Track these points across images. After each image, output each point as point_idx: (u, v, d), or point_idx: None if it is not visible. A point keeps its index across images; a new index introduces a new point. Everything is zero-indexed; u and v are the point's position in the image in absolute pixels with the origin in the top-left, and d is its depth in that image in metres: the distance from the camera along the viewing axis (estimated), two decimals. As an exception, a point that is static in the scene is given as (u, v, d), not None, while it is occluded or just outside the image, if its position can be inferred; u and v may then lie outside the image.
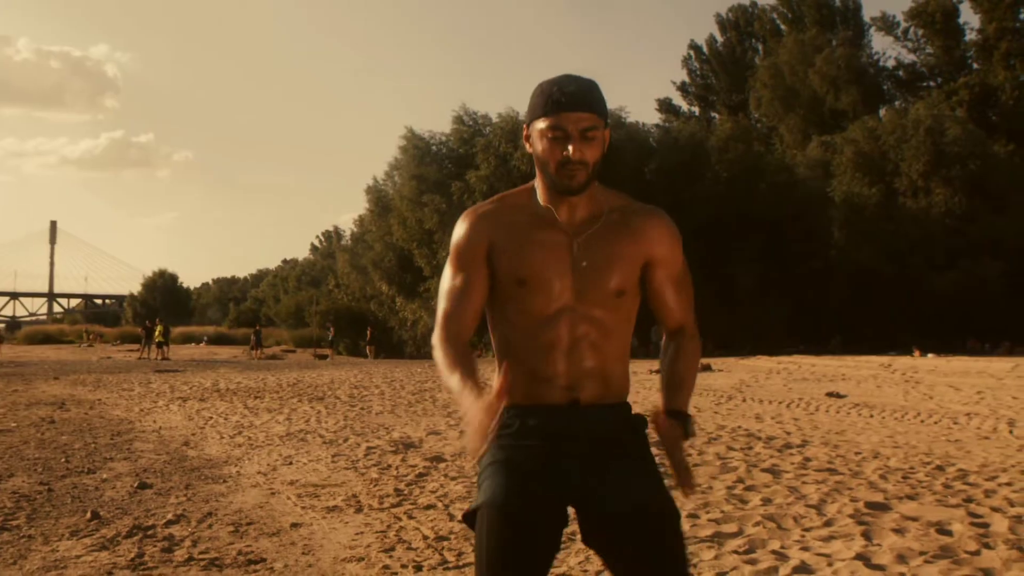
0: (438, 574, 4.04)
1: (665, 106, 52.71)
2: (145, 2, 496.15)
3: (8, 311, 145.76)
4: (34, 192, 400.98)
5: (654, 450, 2.04)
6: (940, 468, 6.56)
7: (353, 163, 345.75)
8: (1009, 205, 33.14)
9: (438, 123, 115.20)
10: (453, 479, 6.21)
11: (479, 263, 1.98)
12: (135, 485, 6.20)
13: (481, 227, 1.99)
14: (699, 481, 6.05)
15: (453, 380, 1.84)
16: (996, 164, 34.53)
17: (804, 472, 6.37)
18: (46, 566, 4.18)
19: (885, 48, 79.06)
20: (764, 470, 6.44)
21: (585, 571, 3.93)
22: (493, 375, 2.01)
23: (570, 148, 1.86)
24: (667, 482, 1.99)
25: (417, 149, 35.55)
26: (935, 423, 9.66)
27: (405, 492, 5.85)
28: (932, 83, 43.30)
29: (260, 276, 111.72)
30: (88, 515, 5.19)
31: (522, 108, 37.90)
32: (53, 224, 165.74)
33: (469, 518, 1.92)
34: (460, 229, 2.02)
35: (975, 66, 42.06)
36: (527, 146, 1.97)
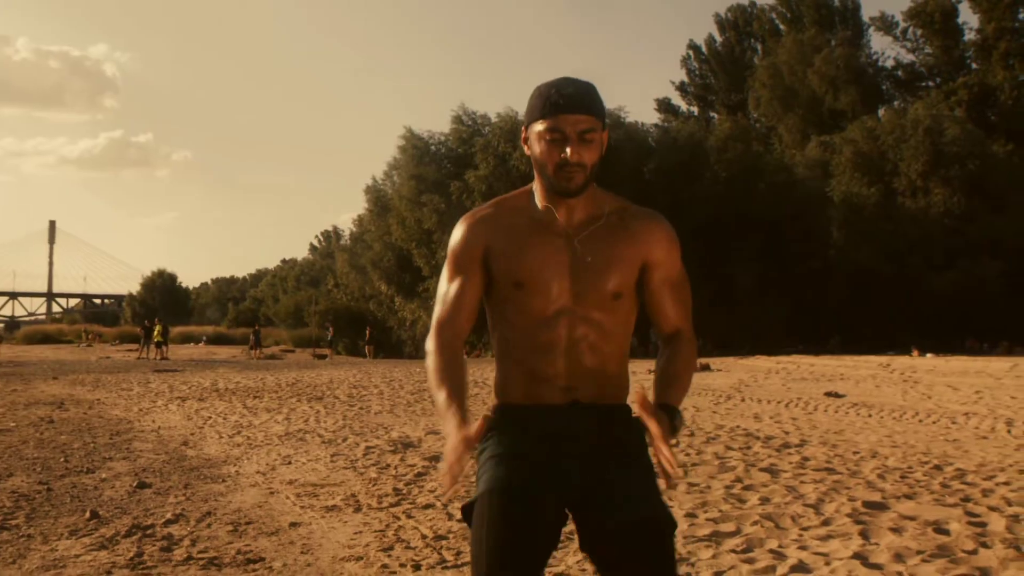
0: (436, 573, 4.04)
1: (664, 106, 52.76)
2: (144, 2, 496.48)
3: (7, 311, 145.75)
4: (33, 192, 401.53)
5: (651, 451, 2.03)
6: (938, 467, 6.58)
7: (352, 163, 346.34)
8: (1008, 205, 33.17)
9: (437, 123, 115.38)
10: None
11: (475, 268, 2.00)
12: (134, 485, 6.21)
13: (478, 231, 2.00)
14: (697, 480, 6.06)
15: (439, 397, 1.90)
16: (995, 164, 34.56)
17: (802, 471, 6.38)
18: (45, 565, 4.19)
19: (884, 48, 79.12)
20: (762, 469, 6.45)
21: (584, 570, 3.94)
22: (492, 374, 2.02)
23: (568, 150, 1.86)
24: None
25: (416, 149, 35.55)
26: (933, 423, 9.68)
27: (404, 491, 5.86)
28: (931, 83, 43.35)
29: (259, 276, 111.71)
30: (87, 514, 5.19)
31: (521, 108, 37.81)
32: (52, 224, 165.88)
33: (467, 511, 1.93)
34: (457, 234, 2.03)
35: (974, 66, 42.11)
36: (525, 148, 1.97)
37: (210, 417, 10.50)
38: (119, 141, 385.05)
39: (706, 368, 19.77)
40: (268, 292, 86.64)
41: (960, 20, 42.31)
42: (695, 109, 52.46)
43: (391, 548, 4.47)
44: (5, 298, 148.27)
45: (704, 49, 52.18)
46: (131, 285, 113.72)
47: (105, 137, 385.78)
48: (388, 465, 6.89)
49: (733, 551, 4.28)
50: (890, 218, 33.54)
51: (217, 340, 58.38)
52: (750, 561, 4.12)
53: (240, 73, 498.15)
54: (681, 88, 53.16)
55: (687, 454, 7.21)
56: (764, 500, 5.40)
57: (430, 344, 2.01)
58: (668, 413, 1.84)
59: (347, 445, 8.01)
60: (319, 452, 7.63)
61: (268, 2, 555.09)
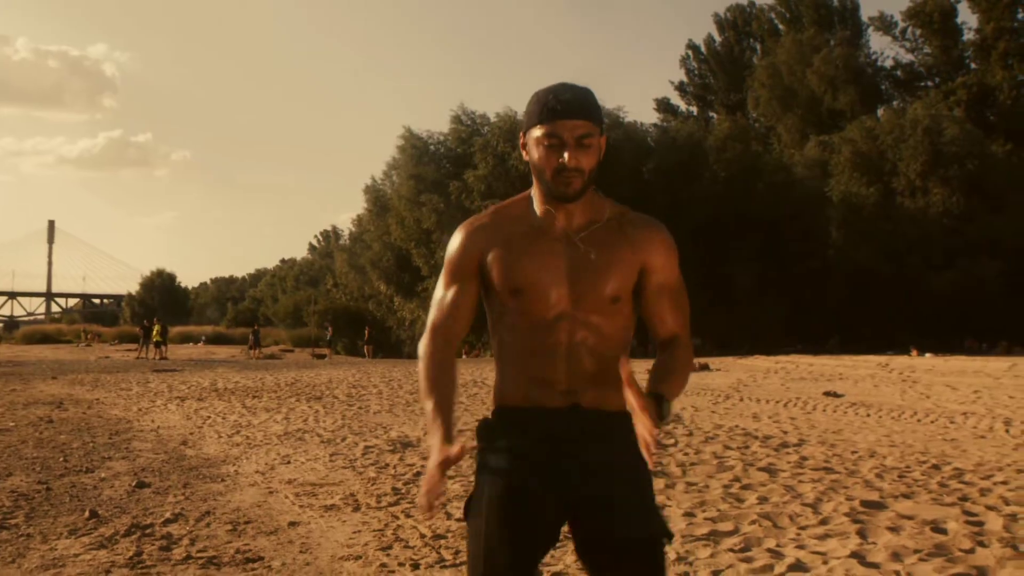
0: (435, 572, 4.05)
1: (663, 106, 52.74)
2: (144, 2, 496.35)
3: (6, 311, 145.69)
4: (32, 192, 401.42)
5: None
6: (936, 467, 6.59)
7: (351, 163, 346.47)
8: (1007, 205, 33.18)
9: (436, 123, 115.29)
10: (451, 478, 6.22)
11: (471, 276, 2.02)
12: (133, 484, 6.21)
13: (475, 239, 2.02)
14: (696, 480, 6.08)
15: (427, 406, 1.95)
16: (994, 164, 34.58)
17: (800, 471, 6.39)
18: (45, 564, 4.20)
19: (883, 48, 79.09)
20: (761, 469, 6.46)
21: (582, 570, 3.95)
22: (492, 375, 2.03)
23: (566, 155, 1.87)
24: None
25: (415, 149, 35.55)
26: (932, 422, 9.69)
27: (403, 491, 5.87)
28: (930, 83, 43.36)
29: (258, 276, 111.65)
30: (86, 514, 5.20)
31: (520, 108, 37.81)
32: (51, 224, 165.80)
33: (468, 507, 1.97)
34: (454, 241, 2.05)
35: (973, 66, 42.12)
36: (524, 154, 1.98)
37: (209, 417, 10.51)
38: (118, 141, 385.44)
39: (705, 368, 19.78)
40: (267, 292, 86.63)
41: (959, 20, 42.40)
42: (694, 109, 52.47)
43: (390, 547, 4.48)
44: (4, 298, 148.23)
45: (703, 49, 52.18)
46: (130, 285, 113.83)
47: (104, 137, 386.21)
48: (387, 464, 6.90)
49: (731, 550, 4.30)
50: (889, 218, 33.56)
51: (216, 340, 58.35)
52: (748, 560, 4.13)
53: (239, 73, 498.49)
54: (680, 88, 53.19)
55: (685, 453, 7.22)
56: (762, 499, 5.41)
57: (423, 348, 2.04)
58: (657, 400, 1.82)
59: (346, 445, 8.01)
60: (318, 452, 7.64)
61: (268, 2, 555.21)
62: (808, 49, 41.58)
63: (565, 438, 1.94)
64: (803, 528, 4.70)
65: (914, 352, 25.21)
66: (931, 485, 5.86)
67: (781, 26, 47.74)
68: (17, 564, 4.21)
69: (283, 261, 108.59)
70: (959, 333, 30.78)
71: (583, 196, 1.93)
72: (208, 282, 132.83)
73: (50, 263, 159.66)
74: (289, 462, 7.18)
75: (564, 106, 1.88)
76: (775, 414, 10.50)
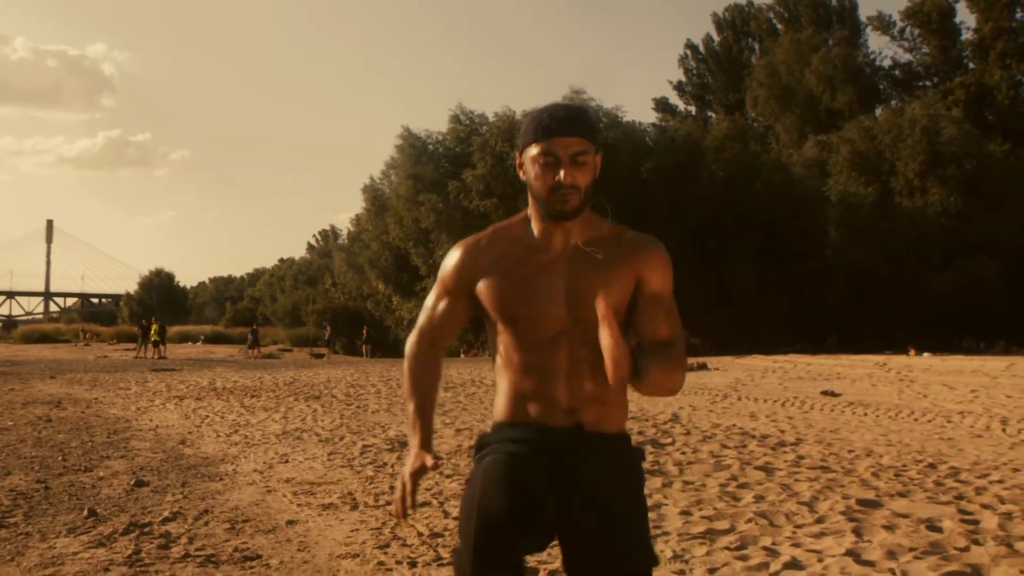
0: (432, 570, 4.07)
1: (662, 105, 52.72)
2: (143, 1, 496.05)
3: (4, 310, 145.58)
4: (31, 191, 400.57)
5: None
6: (932, 466, 6.61)
7: (350, 162, 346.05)
8: (1005, 204, 33.18)
9: (435, 122, 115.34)
10: (448, 476, 6.24)
11: (462, 295, 2.05)
12: (132, 483, 6.23)
13: (470, 261, 2.03)
14: (693, 478, 6.09)
15: (409, 408, 2.08)
16: (992, 164, 34.58)
17: (797, 470, 6.42)
18: (43, 563, 4.21)
19: (881, 47, 79.10)
20: (757, 468, 6.49)
21: None
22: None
23: (562, 173, 1.89)
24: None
25: (414, 148, 35.54)
26: (929, 421, 9.71)
27: (400, 490, 5.87)
28: (928, 82, 43.35)
29: (257, 275, 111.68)
30: (85, 512, 5.22)
31: (519, 107, 37.77)
32: (50, 223, 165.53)
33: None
34: (450, 259, 2.07)
35: (971, 66, 42.11)
36: (521, 174, 1.99)
37: (208, 416, 10.52)
38: (117, 140, 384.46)
39: (703, 367, 19.80)
40: (266, 291, 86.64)
41: (957, 20, 42.34)
42: (692, 109, 52.45)
43: (387, 545, 4.49)
44: (3, 297, 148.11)
45: (702, 49, 52.17)
46: (129, 284, 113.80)
47: (103, 136, 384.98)
48: (385, 463, 6.92)
49: (727, 548, 4.32)
50: (887, 217, 33.56)
51: (215, 339, 58.42)
52: (744, 558, 4.15)
53: (238, 73, 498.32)
54: (679, 88, 53.17)
55: (683, 452, 7.25)
56: (759, 498, 5.44)
57: (409, 348, 2.13)
58: (637, 353, 1.82)
59: (344, 444, 8.03)
60: (316, 451, 7.66)
61: (267, 2, 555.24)
62: (806, 49, 41.58)
63: (566, 452, 1.94)
64: (799, 526, 4.73)
65: (912, 352, 25.24)
66: (927, 484, 5.88)
67: (779, 26, 47.73)
68: (16, 562, 4.22)
69: (282, 260, 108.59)
70: (957, 333, 30.77)
71: (580, 214, 1.94)
72: (207, 281, 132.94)
73: (48, 262, 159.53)
74: (287, 461, 7.20)
75: (559, 124, 1.90)
76: (773, 413, 10.53)
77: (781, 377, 17.07)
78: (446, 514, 5.08)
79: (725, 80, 50.16)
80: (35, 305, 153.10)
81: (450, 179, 33.49)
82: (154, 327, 32.11)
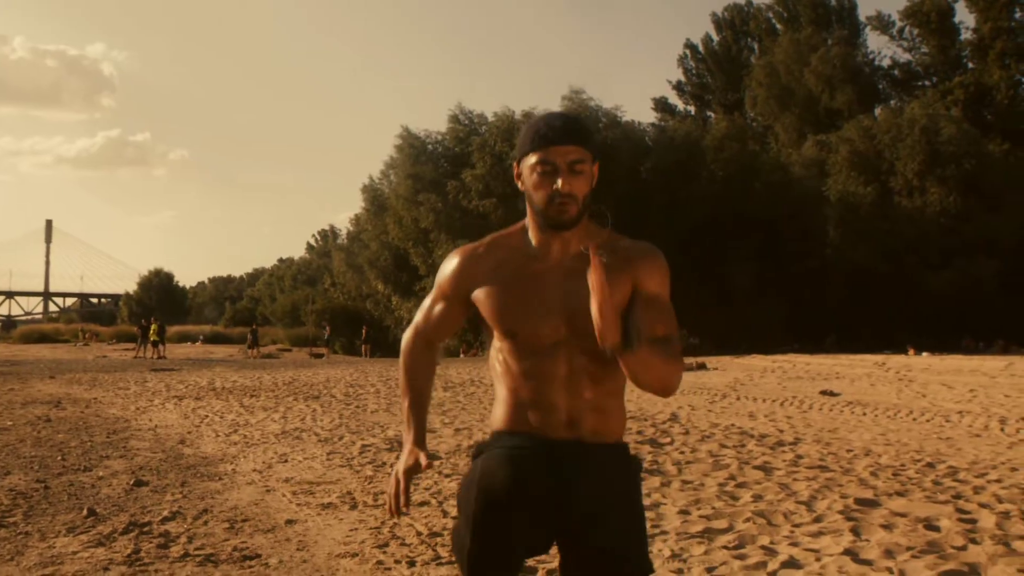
0: (431, 569, 4.08)
1: (661, 105, 52.72)
2: (142, 1, 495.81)
3: (4, 310, 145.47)
4: (30, 191, 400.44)
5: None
6: (930, 465, 6.62)
7: (349, 162, 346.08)
8: (1004, 204, 33.20)
9: (434, 122, 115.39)
10: (447, 476, 6.25)
11: (458, 302, 2.07)
12: (131, 482, 6.23)
13: (468, 270, 2.04)
14: (691, 478, 6.10)
15: (403, 404, 2.12)
16: (991, 163, 34.60)
17: (795, 469, 6.43)
18: (43, 562, 4.22)
19: (880, 47, 79.02)
20: (756, 467, 6.50)
21: None
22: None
23: (559, 181, 1.88)
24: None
25: (413, 148, 35.56)
26: (927, 421, 9.73)
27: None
28: (927, 82, 43.36)
29: (256, 275, 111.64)
30: (84, 512, 5.22)
31: (518, 107, 37.72)
32: (49, 223, 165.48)
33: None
34: (447, 267, 2.08)
35: (970, 65, 42.13)
36: (519, 184, 1.98)
37: (207, 416, 10.53)
38: (116, 140, 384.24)
39: (702, 367, 19.82)
40: (265, 291, 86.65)
41: (956, 19, 42.34)
42: (692, 108, 52.45)
43: (386, 545, 4.50)
44: (2, 297, 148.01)
45: (701, 48, 52.18)
46: (128, 284, 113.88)
47: (102, 136, 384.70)
48: (384, 463, 6.93)
49: (725, 547, 4.33)
50: (886, 217, 33.58)
51: (214, 339, 58.49)
52: (741, 557, 4.16)
53: (237, 72, 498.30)
54: (678, 87, 53.17)
55: (681, 452, 7.26)
56: (757, 497, 5.44)
57: (405, 344, 2.16)
58: (630, 325, 1.83)
59: (343, 443, 8.04)
60: (315, 450, 7.67)
61: (266, 1, 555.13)
62: (806, 48, 41.58)
63: (565, 461, 1.93)
64: (797, 525, 4.74)
65: (911, 351, 25.26)
66: (925, 483, 5.89)
67: (779, 25, 47.75)
68: (16, 562, 4.23)
69: (281, 260, 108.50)
70: (956, 332, 30.78)
71: (578, 224, 1.94)
72: (206, 281, 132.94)
73: (48, 262, 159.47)
74: (286, 460, 7.20)
75: (556, 132, 1.90)
76: (771, 413, 10.54)
77: (780, 377, 17.09)
78: (445, 513, 5.09)
79: (724, 80, 50.18)
80: (34, 305, 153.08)
81: (449, 179, 33.51)
82: (153, 327, 32.14)
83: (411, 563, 4.17)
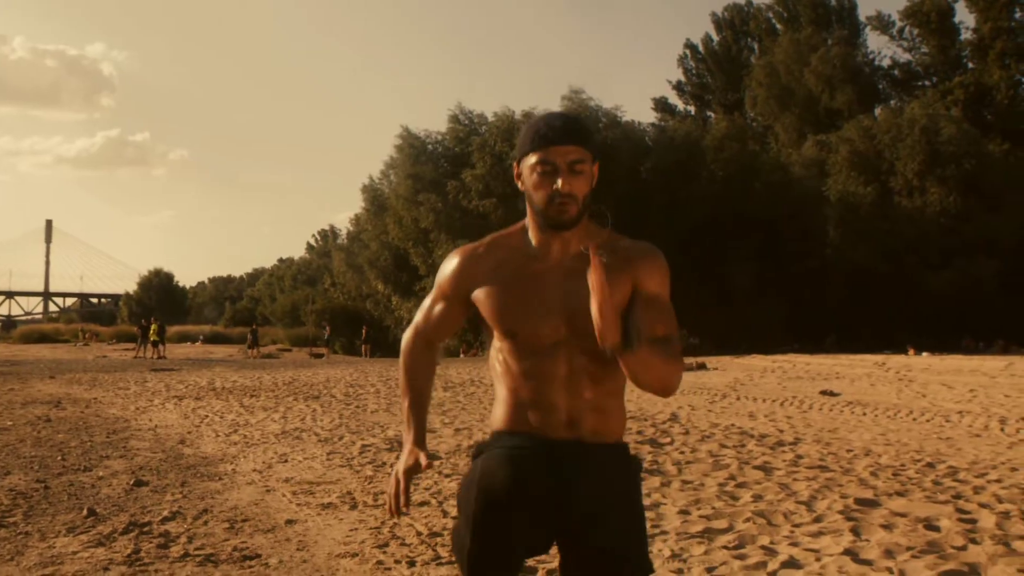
0: (431, 569, 4.08)
1: (661, 105, 52.72)
2: (142, 1, 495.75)
3: (4, 310, 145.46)
4: (30, 191, 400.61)
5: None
6: (930, 465, 6.62)
7: (349, 162, 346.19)
8: (1004, 204, 33.20)
9: (434, 122, 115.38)
10: (447, 476, 6.25)
11: (458, 302, 2.07)
12: (131, 482, 6.24)
13: (468, 270, 2.04)
14: (691, 478, 6.10)
15: (403, 403, 2.13)
16: (991, 163, 34.60)
17: (795, 469, 6.43)
18: (43, 562, 4.22)
19: (880, 47, 79.02)
20: (756, 467, 6.50)
21: None
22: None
23: (559, 181, 1.88)
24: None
25: (413, 148, 35.56)
26: (927, 421, 9.73)
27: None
28: (927, 82, 43.37)
29: (256, 275, 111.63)
30: (84, 512, 5.22)
31: (518, 107, 37.69)
32: (49, 223, 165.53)
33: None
34: (447, 267, 2.08)
35: (970, 65, 42.13)
36: (520, 185, 1.98)
37: (207, 416, 10.53)
38: (116, 140, 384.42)
39: (702, 367, 19.82)
40: (265, 291, 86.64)
41: (956, 19, 42.34)
42: (692, 108, 52.45)
43: (386, 545, 4.50)
44: (2, 297, 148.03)
45: (701, 48, 52.17)
46: (128, 284, 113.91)
47: (102, 136, 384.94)
48: (384, 463, 6.93)
49: (725, 547, 4.33)
50: (886, 217, 33.58)
51: (214, 339, 58.51)
52: (742, 557, 4.16)
53: (237, 72, 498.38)
54: (678, 87, 53.17)
55: (681, 452, 7.26)
56: (757, 497, 5.44)
57: (405, 344, 2.17)
58: (630, 324, 1.82)
59: (343, 443, 8.04)
60: (315, 450, 7.67)
61: (266, 1, 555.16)
62: (805, 48, 41.58)
63: (565, 461, 1.93)
64: (797, 525, 4.74)
65: (911, 351, 25.26)
66: (925, 483, 5.89)
67: (779, 25, 47.75)
68: (16, 562, 4.23)
69: (281, 260, 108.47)
70: (956, 332, 30.78)
71: (578, 224, 1.93)
72: (206, 281, 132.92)
73: (48, 262, 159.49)
74: (286, 460, 7.20)
75: (555, 132, 1.90)
76: (771, 413, 10.54)
77: (780, 377, 17.09)
78: (445, 513, 5.09)
79: (724, 80, 50.18)
80: (34, 305, 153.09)
81: (449, 179, 33.51)
82: (153, 327, 32.15)
83: (411, 563, 4.17)
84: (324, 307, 47.65)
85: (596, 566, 1.91)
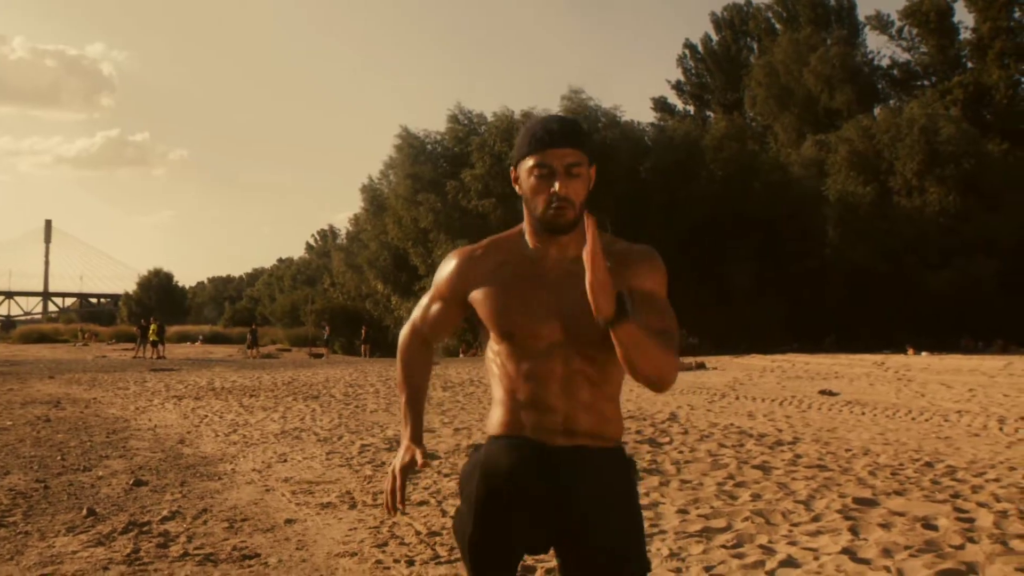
0: (430, 568, 4.09)
1: (660, 105, 52.74)
2: (142, 1, 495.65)
3: (3, 310, 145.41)
4: (29, 191, 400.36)
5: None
6: (929, 464, 6.63)
7: (349, 162, 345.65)
8: (1003, 204, 33.23)
9: (433, 122, 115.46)
10: (446, 476, 6.26)
11: (456, 303, 2.08)
12: (131, 482, 6.24)
13: (466, 272, 2.04)
14: (690, 477, 6.11)
15: (401, 399, 2.15)
16: (990, 163, 34.63)
17: (794, 468, 6.44)
18: (43, 561, 4.23)
19: (879, 47, 78.91)
20: (755, 467, 6.51)
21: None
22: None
23: (556, 184, 1.88)
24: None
25: (412, 148, 35.56)
26: (926, 420, 9.73)
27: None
28: (926, 82, 43.40)
29: (256, 275, 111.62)
30: (84, 512, 5.23)
31: (518, 107, 37.72)
32: (48, 223, 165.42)
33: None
34: (445, 268, 2.08)
35: (969, 65, 42.16)
36: (517, 188, 1.98)
37: (206, 415, 10.54)
38: (116, 140, 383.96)
39: (701, 367, 19.83)
40: (264, 291, 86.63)
41: (955, 19, 42.42)
42: (691, 108, 52.48)
43: (385, 544, 4.51)
44: (1, 297, 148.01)
45: (700, 48, 52.19)
46: (127, 284, 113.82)
47: (101, 136, 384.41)
48: (383, 463, 6.94)
49: (723, 546, 4.33)
50: (885, 217, 33.60)
51: (213, 339, 58.47)
52: (740, 556, 4.17)
53: (237, 72, 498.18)
54: (677, 87, 53.20)
55: (680, 451, 7.26)
56: (755, 497, 5.45)
57: (403, 340, 2.20)
58: (624, 297, 1.77)
59: (342, 443, 8.05)
60: (315, 450, 7.68)
61: (266, 1, 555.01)
62: (805, 48, 41.60)
63: (563, 465, 1.93)
64: (795, 525, 4.75)
65: (910, 351, 25.27)
66: (923, 482, 5.90)
67: (778, 25, 47.78)
68: (16, 561, 4.24)
69: (280, 260, 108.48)
70: (956, 332, 30.80)
71: (575, 228, 1.92)
72: (205, 281, 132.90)
73: (47, 262, 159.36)
74: (286, 460, 7.21)
75: (552, 136, 1.90)
76: (770, 412, 10.55)
77: (779, 376, 17.10)
78: (444, 513, 5.10)
79: (723, 80, 50.20)
80: (34, 305, 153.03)
81: (448, 179, 33.52)
82: (152, 327, 32.16)
83: (410, 562, 4.18)
84: (323, 307, 47.62)
85: (595, 567, 1.91)
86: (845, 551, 4.20)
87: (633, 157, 32.90)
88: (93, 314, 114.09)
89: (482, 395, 12.72)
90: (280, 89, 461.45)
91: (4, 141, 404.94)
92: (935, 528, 4.62)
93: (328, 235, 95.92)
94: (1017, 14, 40.44)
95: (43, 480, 6.32)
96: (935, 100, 38.15)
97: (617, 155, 30.73)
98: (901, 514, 4.92)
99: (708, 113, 50.31)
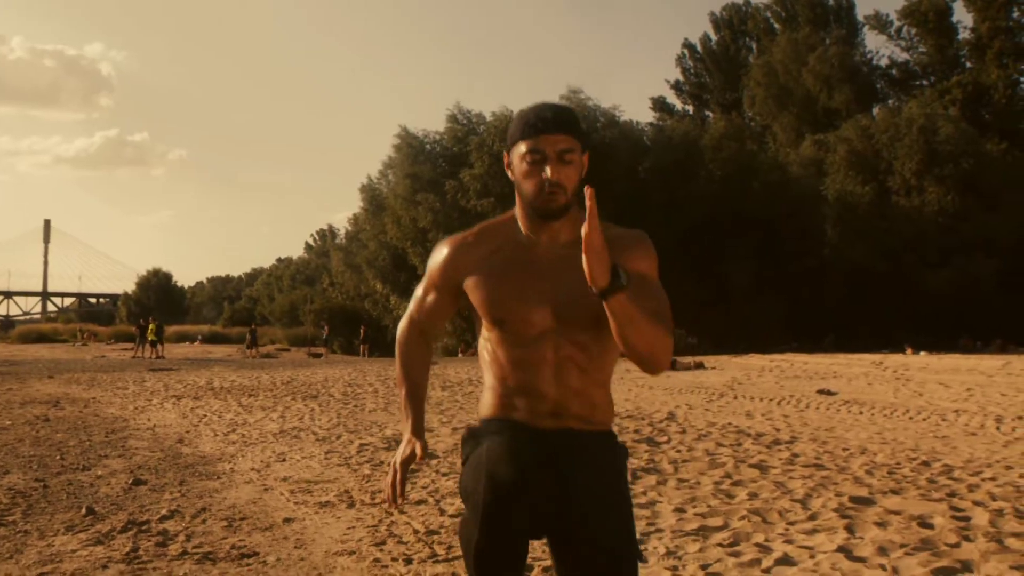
0: (428, 567, 4.10)
1: (659, 104, 52.76)
2: (141, 1, 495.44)
3: (2, 310, 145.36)
4: (28, 191, 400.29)
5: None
6: (926, 463, 6.65)
7: (348, 162, 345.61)
8: (1002, 203, 33.26)
9: (432, 122, 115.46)
10: (444, 475, 6.28)
11: (449, 291, 2.09)
12: (130, 481, 6.26)
13: (457, 259, 2.05)
14: (687, 476, 6.13)
15: (400, 393, 2.18)
16: (989, 163, 34.66)
17: (791, 468, 6.45)
18: (42, 560, 4.24)
19: (878, 47, 79.55)
20: (752, 466, 6.52)
21: None
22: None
23: (548, 170, 1.89)
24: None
25: (411, 148, 35.58)
26: (924, 420, 9.75)
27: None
28: (925, 82, 43.43)
29: (255, 275, 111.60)
30: (83, 511, 5.25)
31: (516, 106, 37.68)
32: (47, 223, 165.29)
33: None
34: (437, 256, 2.09)
35: (968, 65, 42.19)
36: (509, 174, 2.00)
37: (205, 415, 10.55)
38: (114, 140, 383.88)
39: (700, 366, 19.85)
40: (263, 291, 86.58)
41: (954, 19, 42.44)
42: (690, 108, 52.51)
43: (383, 543, 4.53)
44: (0, 297, 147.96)
45: (699, 48, 52.21)
46: (126, 284, 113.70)
47: (100, 136, 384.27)
48: (382, 462, 6.95)
49: (720, 545, 4.35)
50: (884, 216, 33.63)
51: (212, 339, 58.47)
52: (736, 555, 4.19)
53: (236, 72, 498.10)
54: (676, 87, 53.22)
55: (678, 451, 7.28)
56: (752, 495, 5.47)
57: (401, 334, 2.21)
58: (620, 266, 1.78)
59: (341, 443, 8.06)
60: (313, 449, 7.69)
61: (265, 1, 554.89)
62: (804, 48, 41.64)
63: (554, 451, 1.95)
64: (792, 523, 4.76)
65: (909, 350, 25.28)
66: (920, 481, 5.92)
67: (777, 25, 47.82)
68: (15, 560, 4.25)
69: (279, 260, 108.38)
70: (955, 331, 30.82)
71: (567, 214, 1.94)
72: (204, 281, 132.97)
73: (46, 262, 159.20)
74: (284, 460, 7.23)
75: (545, 122, 1.91)
76: (768, 412, 10.56)
77: (778, 376, 17.11)
78: (442, 511, 5.12)
79: (722, 79, 50.23)
80: (33, 305, 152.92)
81: (447, 179, 33.54)
82: (151, 327, 32.15)
83: (408, 561, 4.19)
84: (322, 307, 47.61)
85: (586, 554, 1.93)
86: (841, 549, 4.22)
87: (632, 157, 32.93)
88: (92, 314, 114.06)
89: (481, 394, 12.71)
90: (279, 89, 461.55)
91: (3, 141, 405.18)
92: (931, 527, 4.64)
93: (327, 235, 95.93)
94: (1016, 14, 40.50)
95: (42, 479, 6.34)
96: (934, 100, 38.19)
97: (616, 155, 30.76)
98: (897, 513, 4.94)
99: (707, 113, 50.34)
